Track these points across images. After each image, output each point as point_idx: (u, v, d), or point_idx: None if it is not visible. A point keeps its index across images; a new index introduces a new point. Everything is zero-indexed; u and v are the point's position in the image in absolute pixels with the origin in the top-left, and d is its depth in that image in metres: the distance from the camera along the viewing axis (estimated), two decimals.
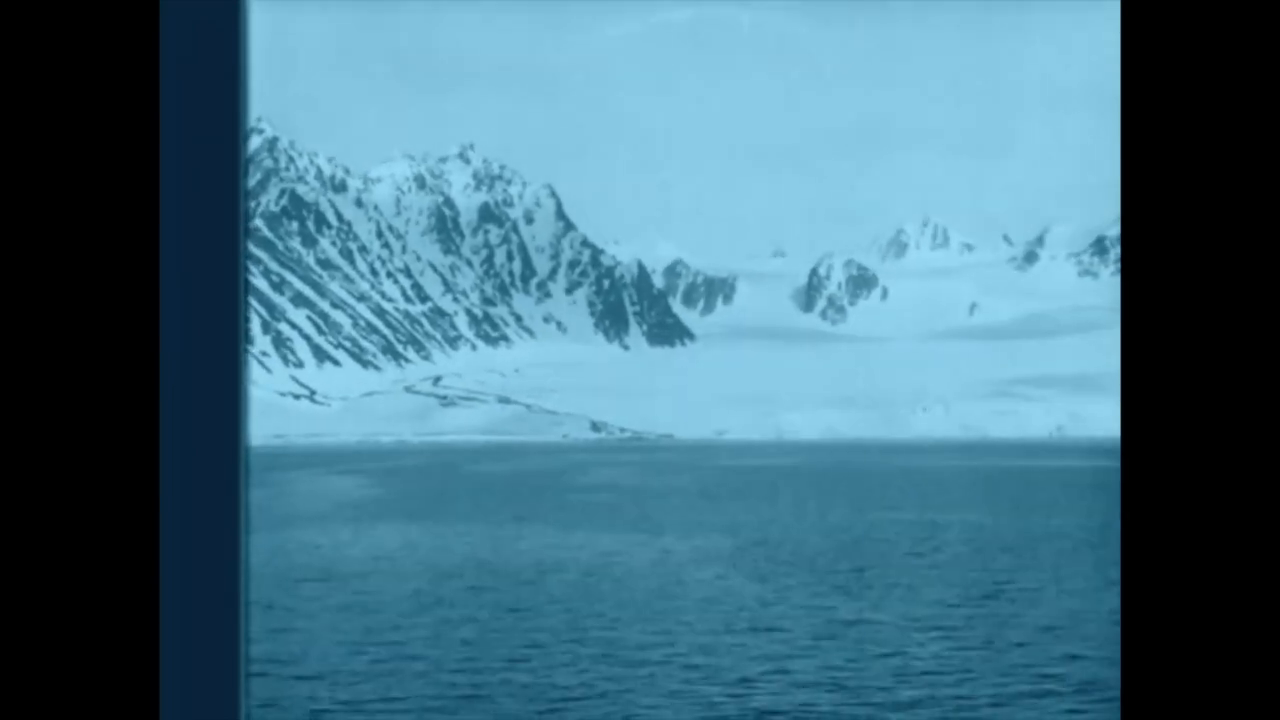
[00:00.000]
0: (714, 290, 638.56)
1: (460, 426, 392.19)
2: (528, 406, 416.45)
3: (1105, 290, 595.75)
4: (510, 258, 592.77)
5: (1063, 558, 49.14)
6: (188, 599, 3.49)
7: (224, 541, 3.50)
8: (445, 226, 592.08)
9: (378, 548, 53.09)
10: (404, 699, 25.19)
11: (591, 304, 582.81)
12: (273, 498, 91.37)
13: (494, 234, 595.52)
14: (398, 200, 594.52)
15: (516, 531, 60.90)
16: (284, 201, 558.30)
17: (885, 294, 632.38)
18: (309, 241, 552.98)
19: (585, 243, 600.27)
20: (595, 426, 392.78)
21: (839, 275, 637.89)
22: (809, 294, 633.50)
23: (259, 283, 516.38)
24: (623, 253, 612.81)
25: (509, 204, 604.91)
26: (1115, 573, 42.67)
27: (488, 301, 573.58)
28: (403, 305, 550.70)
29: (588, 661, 28.49)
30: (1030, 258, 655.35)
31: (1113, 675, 26.62)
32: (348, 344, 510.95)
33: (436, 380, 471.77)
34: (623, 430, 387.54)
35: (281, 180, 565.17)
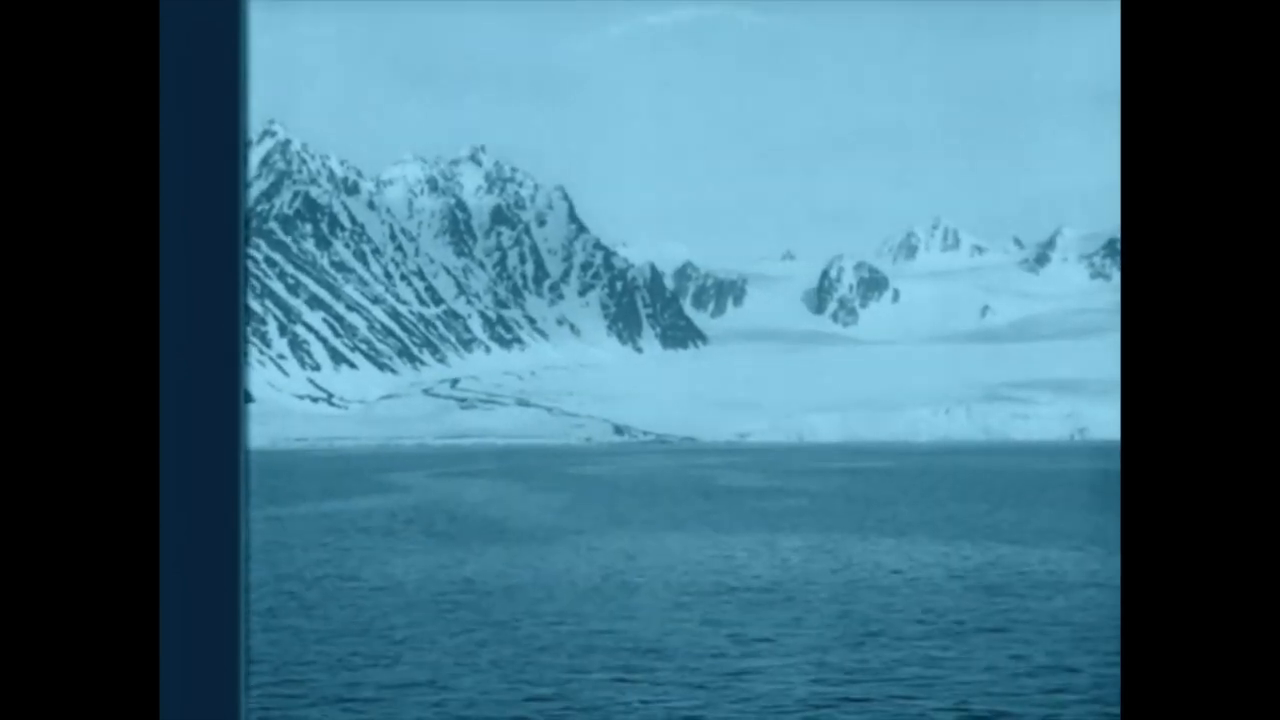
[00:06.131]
0: (724, 292, 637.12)
1: (482, 429, 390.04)
2: (548, 409, 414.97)
3: (1119, 293, 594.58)
4: (523, 260, 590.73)
5: None
6: (188, 602, 3.48)
7: (224, 544, 3.48)
8: (458, 229, 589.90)
9: (747, 562, 50.95)
10: None
11: (604, 306, 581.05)
12: (464, 508, 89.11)
13: (506, 236, 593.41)
14: (410, 202, 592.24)
15: (822, 541, 58.85)
16: (297, 204, 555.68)
17: (896, 296, 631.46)
18: (323, 244, 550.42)
19: (598, 245, 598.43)
20: (618, 429, 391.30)
21: (850, 277, 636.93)
22: (820, 296, 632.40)
23: (275, 285, 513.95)
24: (633, 255, 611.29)
25: (521, 206, 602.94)
26: None
27: (501, 304, 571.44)
28: (417, 307, 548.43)
29: None
30: (1041, 260, 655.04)
31: None
32: (363, 346, 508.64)
33: (454, 383, 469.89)
34: (645, 433, 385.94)
35: (294, 183, 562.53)
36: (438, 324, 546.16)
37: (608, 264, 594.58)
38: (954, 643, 32.13)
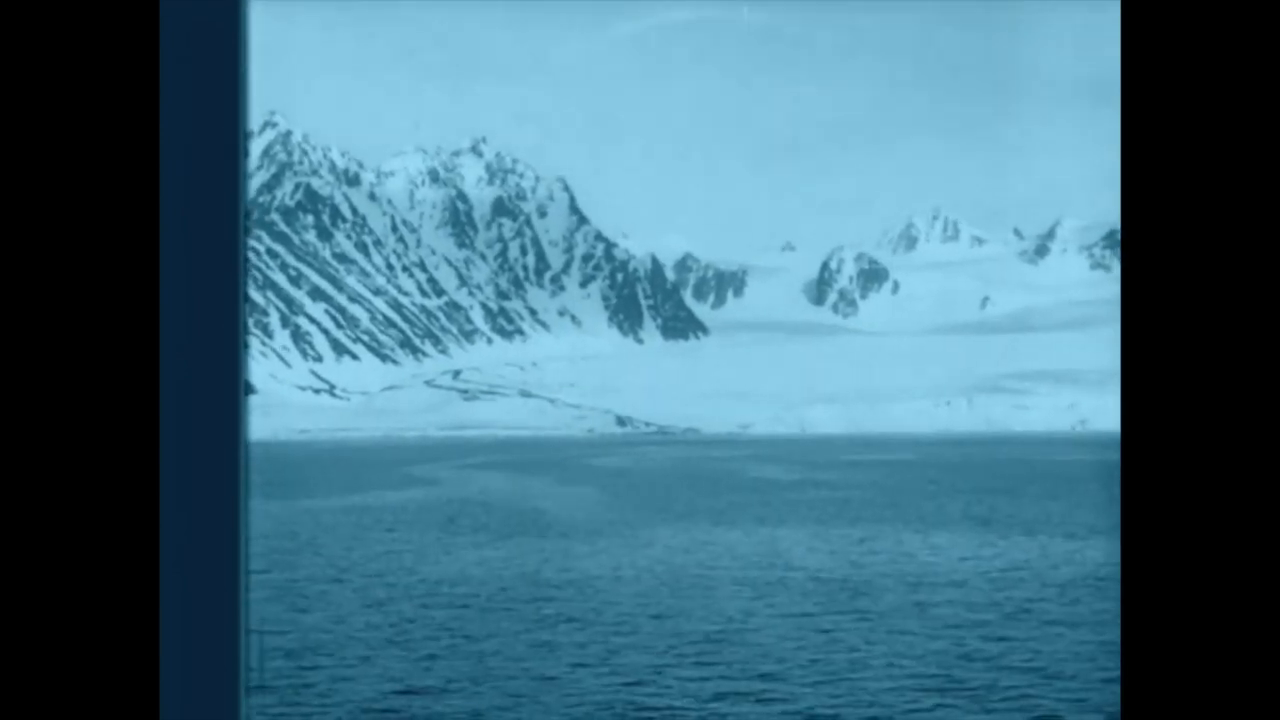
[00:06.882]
0: (724, 284, 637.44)
1: (484, 420, 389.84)
2: (550, 400, 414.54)
3: (1119, 284, 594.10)
4: (524, 251, 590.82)
5: None
6: (188, 596, 3.46)
7: (224, 535, 3.47)
8: (459, 220, 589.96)
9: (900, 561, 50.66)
10: None
11: (605, 298, 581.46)
12: (498, 501, 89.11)
13: (508, 227, 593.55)
14: (411, 194, 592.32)
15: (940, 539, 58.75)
16: (299, 195, 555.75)
17: (896, 287, 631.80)
18: (324, 235, 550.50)
19: (599, 236, 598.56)
20: (620, 421, 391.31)
21: (850, 269, 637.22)
22: (820, 287, 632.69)
23: (276, 276, 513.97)
24: (634, 246, 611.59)
25: (522, 197, 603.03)
26: None
27: (502, 295, 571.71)
28: (419, 299, 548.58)
29: None
30: (1041, 251, 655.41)
31: None
32: (365, 338, 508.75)
33: (456, 374, 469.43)
34: (647, 425, 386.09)
35: (296, 174, 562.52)
36: (439, 315, 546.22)
37: (609, 255, 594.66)
38: (1052, 635, 32.33)
